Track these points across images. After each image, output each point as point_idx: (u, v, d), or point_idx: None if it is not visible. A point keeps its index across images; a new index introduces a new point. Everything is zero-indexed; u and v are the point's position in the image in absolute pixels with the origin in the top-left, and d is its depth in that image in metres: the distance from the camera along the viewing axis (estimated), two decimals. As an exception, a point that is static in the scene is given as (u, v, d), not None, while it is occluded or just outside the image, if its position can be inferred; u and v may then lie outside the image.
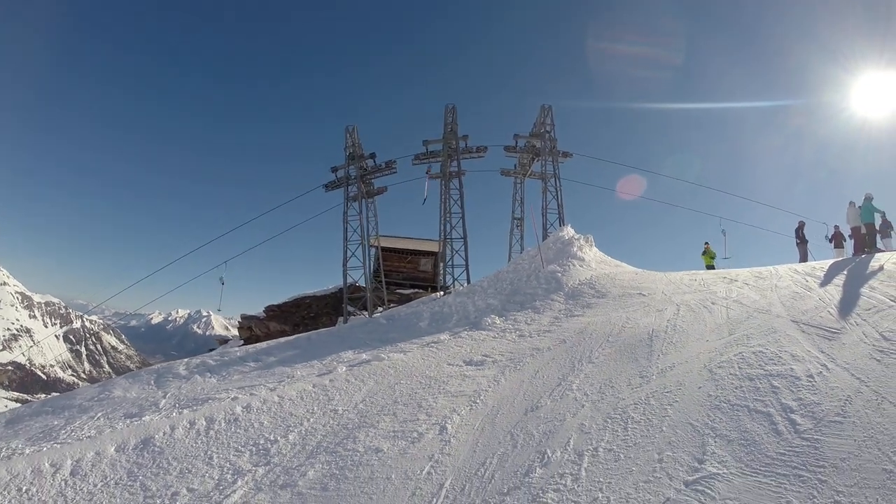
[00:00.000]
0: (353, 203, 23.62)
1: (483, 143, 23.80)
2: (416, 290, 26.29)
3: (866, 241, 13.20)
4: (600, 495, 4.26)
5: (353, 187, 23.61)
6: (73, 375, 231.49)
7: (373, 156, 23.59)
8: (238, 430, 7.21)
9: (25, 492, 6.09)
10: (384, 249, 25.57)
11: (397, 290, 26.00)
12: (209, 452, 6.70)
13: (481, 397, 7.26)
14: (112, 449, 7.00)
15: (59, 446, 7.17)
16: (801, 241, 17.20)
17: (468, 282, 21.29)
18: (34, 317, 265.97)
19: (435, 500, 4.86)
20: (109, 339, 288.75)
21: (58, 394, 12.12)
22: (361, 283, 23.98)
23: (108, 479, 6.33)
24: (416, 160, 23.38)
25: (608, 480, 4.45)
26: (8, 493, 6.05)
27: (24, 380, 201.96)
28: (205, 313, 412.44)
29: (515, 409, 6.60)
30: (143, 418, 8.00)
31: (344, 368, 9.34)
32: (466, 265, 22.35)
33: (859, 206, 13.57)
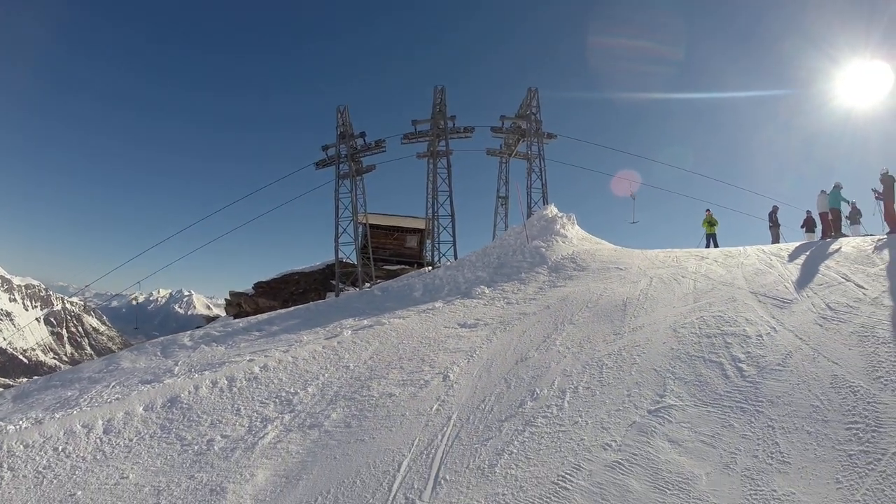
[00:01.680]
0: (343, 181, 24.03)
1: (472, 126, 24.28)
2: (403, 265, 26.82)
3: (832, 227, 13.71)
4: (580, 419, 5.16)
5: (343, 165, 23.98)
6: (54, 359, 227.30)
7: (363, 135, 23.87)
8: (259, 386, 7.71)
9: (62, 451, 6.32)
10: (372, 226, 26.01)
11: (384, 266, 26.56)
12: (236, 405, 7.18)
13: (476, 352, 7.91)
14: (140, 408, 7.29)
15: (88, 409, 7.36)
16: (774, 224, 17.78)
17: (455, 258, 22.01)
18: (14, 300, 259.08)
19: (445, 428, 5.62)
20: (90, 321, 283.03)
21: (39, 377, 12.41)
22: (351, 258, 24.57)
23: (143, 433, 6.69)
24: (405, 139, 23.82)
25: (586, 409, 5.34)
26: (44, 452, 6.28)
27: (6, 364, 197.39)
28: (186, 293, 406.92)
29: (507, 361, 7.31)
30: (164, 382, 8.22)
31: (349, 332, 9.82)
32: (454, 241, 23.09)
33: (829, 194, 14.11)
